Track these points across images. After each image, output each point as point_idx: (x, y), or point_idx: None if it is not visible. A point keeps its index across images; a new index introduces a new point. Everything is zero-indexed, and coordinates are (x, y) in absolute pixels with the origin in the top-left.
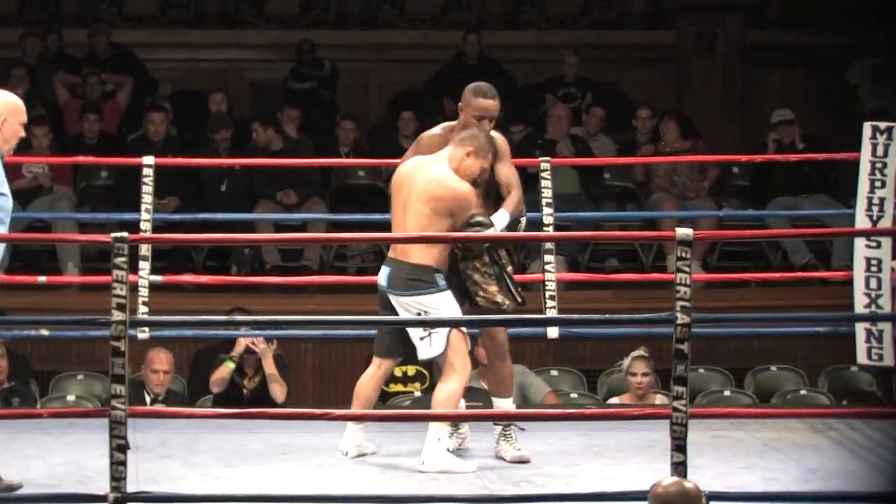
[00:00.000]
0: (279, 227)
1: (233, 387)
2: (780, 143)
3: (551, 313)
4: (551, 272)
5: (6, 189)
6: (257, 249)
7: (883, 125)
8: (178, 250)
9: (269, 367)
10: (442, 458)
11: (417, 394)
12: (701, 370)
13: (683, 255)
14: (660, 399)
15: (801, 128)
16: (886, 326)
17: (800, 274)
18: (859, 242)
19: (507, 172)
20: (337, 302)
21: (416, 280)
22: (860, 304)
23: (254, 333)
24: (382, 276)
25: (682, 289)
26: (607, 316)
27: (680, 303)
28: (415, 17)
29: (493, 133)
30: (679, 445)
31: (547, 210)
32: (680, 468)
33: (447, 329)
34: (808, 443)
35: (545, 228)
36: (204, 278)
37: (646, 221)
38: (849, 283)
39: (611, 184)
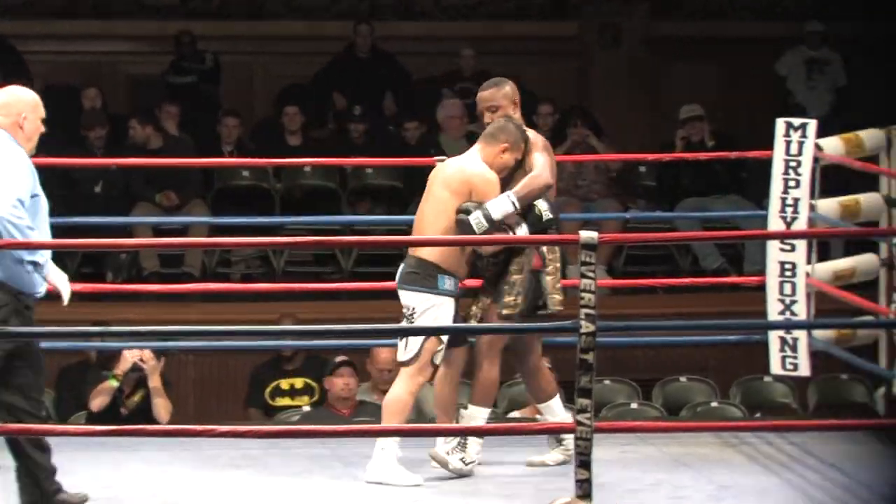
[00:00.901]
0: (158, 230)
1: (111, 405)
2: (689, 141)
3: None
4: None
5: (40, 189)
6: (134, 255)
7: (797, 121)
8: None
9: (156, 384)
10: (384, 469)
11: (306, 408)
12: (606, 381)
13: (588, 259)
14: None
15: (711, 124)
16: (801, 334)
17: (710, 279)
18: (773, 246)
19: (531, 161)
20: (220, 311)
21: (416, 275)
22: (774, 310)
23: (133, 345)
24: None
25: (587, 295)
26: (507, 324)
27: (584, 310)
28: (302, 6)
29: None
30: (584, 461)
31: None
32: (584, 486)
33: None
34: (720, 458)
35: None
36: (77, 286)
37: None
38: (762, 288)
39: None
